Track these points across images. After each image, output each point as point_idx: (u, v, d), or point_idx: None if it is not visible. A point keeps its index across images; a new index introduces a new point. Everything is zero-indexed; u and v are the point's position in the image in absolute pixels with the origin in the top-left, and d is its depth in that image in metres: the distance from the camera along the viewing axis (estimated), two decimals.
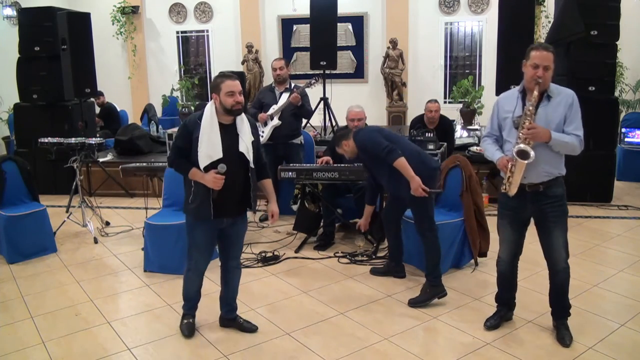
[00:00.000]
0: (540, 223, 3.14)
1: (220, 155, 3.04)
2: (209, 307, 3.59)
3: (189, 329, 3.39)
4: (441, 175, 4.31)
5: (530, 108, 2.92)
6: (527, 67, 2.99)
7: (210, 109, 3.07)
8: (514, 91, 3.12)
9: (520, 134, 2.92)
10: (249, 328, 3.43)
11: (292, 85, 5.56)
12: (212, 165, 3.04)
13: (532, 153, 2.86)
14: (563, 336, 3.18)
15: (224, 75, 3.10)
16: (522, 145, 2.89)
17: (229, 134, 3.08)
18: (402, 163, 3.63)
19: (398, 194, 3.84)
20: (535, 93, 2.91)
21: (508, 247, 3.27)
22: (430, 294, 3.73)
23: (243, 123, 3.13)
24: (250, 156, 3.12)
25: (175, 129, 6.04)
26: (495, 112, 3.19)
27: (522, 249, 3.28)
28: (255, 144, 3.20)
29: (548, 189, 3.02)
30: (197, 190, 3.10)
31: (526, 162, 2.88)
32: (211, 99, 3.11)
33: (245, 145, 3.10)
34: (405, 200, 3.85)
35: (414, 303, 3.71)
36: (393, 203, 4.08)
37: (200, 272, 3.34)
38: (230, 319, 3.47)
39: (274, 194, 3.39)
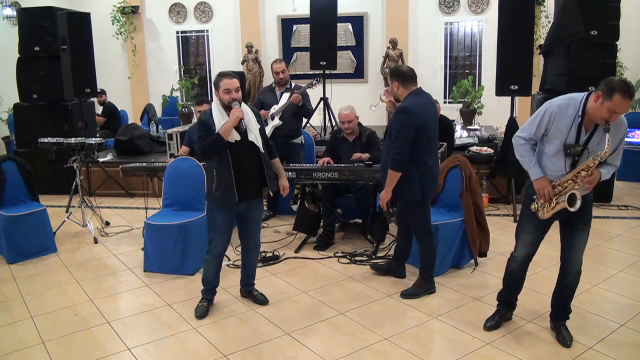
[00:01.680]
0: (567, 223, 3.11)
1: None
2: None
3: (201, 312, 3.61)
4: (440, 175, 4.33)
5: (595, 162, 2.85)
6: (603, 106, 2.74)
7: (216, 106, 3.45)
8: (571, 108, 2.88)
9: (575, 177, 2.89)
10: (261, 300, 3.79)
11: (293, 85, 5.56)
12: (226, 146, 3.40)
13: (578, 204, 2.87)
14: (564, 337, 3.18)
15: (222, 75, 3.47)
16: (576, 193, 2.87)
17: (237, 126, 3.39)
18: (394, 176, 3.59)
19: (382, 181, 3.76)
20: (597, 160, 2.85)
21: (526, 248, 3.21)
22: (424, 289, 3.87)
23: (248, 115, 3.46)
24: (259, 143, 3.48)
25: (175, 129, 6.04)
26: (546, 122, 2.95)
27: (537, 249, 3.25)
28: (262, 130, 3.56)
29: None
30: (220, 179, 3.42)
31: (572, 209, 2.88)
32: (201, 99, 3.52)
33: (254, 134, 3.45)
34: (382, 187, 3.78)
35: (406, 295, 3.84)
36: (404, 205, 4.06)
37: (219, 255, 3.62)
38: (247, 291, 3.86)
39: (283, 170, 3.78)
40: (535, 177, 3.02)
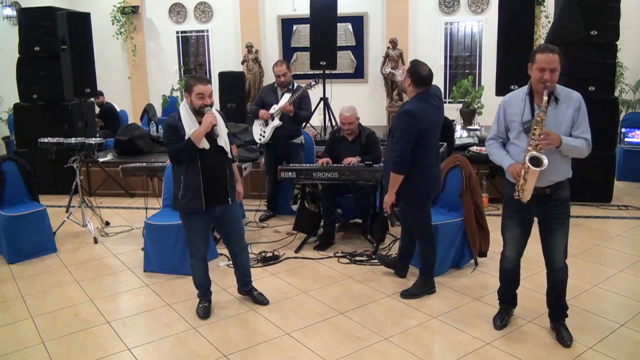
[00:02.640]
0: (544, 223, 3.14)
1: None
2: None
3: (204, 312, 3.61)
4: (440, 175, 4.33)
5: (542, 115, 2.88)
6: (533, 71, 2.94)
7: (185, 109, 3.37)
8: (520, 92, 3.08)
9: (532, 141, 2.89)
10: (260, 300, 3.77)
11: (295, 85, 5.55)
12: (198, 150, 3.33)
13: (545, 160, 2.85)
14: (563, 337, 3.18)
15: (197, 78, 3.37)
16: (534, 153, 2.87)
17: (209, 132, 3.33)
18: (397, 178, 3.61)
19: (385, 180, 3.79)
20: (545, 98, 2.87)
21: (514, 246, 3.26)
22: (423, 288, 3.87)
23: (218, 120, 3.38)
24: (228, 148, 3.44)
25: None
26: (501, 114, 3.13)
27: (526, 246, 3.29)
28: (229, 134, 3.52)
29: (554, 193, 3.02)
30: (187, 185, 3.36)
31: (540, 169, 2.86)
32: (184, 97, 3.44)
33: (224, 139, 3.41)
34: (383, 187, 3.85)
35: (406, 295, 3.84)
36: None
37: (203, 257, 3.60)
38: (246, 290, 3.83)
39: (239, 175, 3.73)
40: (507, 165, 3.06)
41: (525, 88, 3.05)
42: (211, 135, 3.33)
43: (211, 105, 3.37)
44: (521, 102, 3.03)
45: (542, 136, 2.85)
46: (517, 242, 3.24)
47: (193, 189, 3.34)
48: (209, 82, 3.37)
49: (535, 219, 3.20)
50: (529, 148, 2.90)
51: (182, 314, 3.67)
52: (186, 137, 3.29)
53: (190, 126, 3.30)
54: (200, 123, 3.32)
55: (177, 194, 3.42)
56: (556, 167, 2.97)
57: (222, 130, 3.42)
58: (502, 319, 3.39)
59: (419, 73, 3.58)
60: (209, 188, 3.36)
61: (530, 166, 2.88)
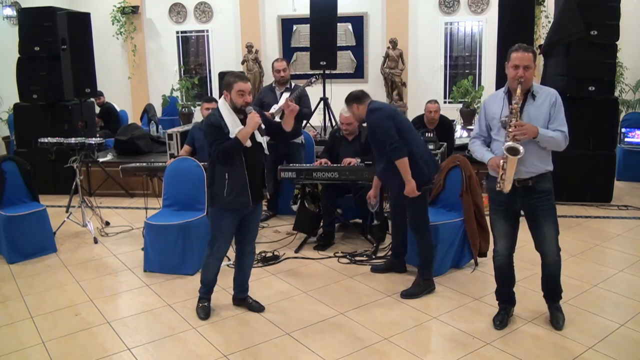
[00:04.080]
0: (531, 217, 3.24)
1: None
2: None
3: (204, 312, 3.58)
4: (440, 175, 4.35)
5: (515, 106, 3.02)
6: (508, 69, 3.09)
7: (225, 107, 3.36)
8: (500, 92, 3.23)
9: (509, 132, 3.01)
10: (256, 308, 3.68)
11: (293, 85, 5.56)
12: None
13: (521, 149, 2.97)
14: (557, 319, 3.30)
15: (237, 76, 3.37)
16: (510, 143, 2.99)
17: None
18: (403, 164, 3.67)
19: (387, 184, 3.91)
20: (519, 91, 3.01)
21: (504, 241, 3.33)
22: (423, 287, 3.87)
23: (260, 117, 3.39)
24: (265, 144, 3.46)
25: (176, 129, 6.04)
26: (483, 114, 3.29)
27: (516, 241, 3.34)
28: (264, 121, 3.46)
29: (537, 184, 3.14)
30: (233, 182, 3.34)
31: (517, 157, 2.98)
32: (221, 95, 3.41)
33: (261, 136, 3.42)
34: (387, 190, 3.94)
35: (406, 295, 3.83)
36: (399, 200, 4.08)
37: (221, 258, 3.58)
38: (241, 299, 3.74)
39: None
40: (487, 160, 3.18)
41: (504, 88, 3.21)
42: (256, 135, 3.34)
43: (246, 107, 3.34)
44: (500, 100, 3.18)
45: (518, 127, 2.99)
46: (505, 236, 3.31)
47: (240, 185, 3.34)
48: (249, 79, 3.37)
49: (523, 218, 3.29)
50: (507, 139, 3.02)
51: (182, 314, 3.67)
52: (231, 135, 3.28)
53: (232, 124, 3.29)
54: (241, 121, 3.33)
55: (220, 192, 3.36)
56: (536, 158, 3.10)
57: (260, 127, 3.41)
58: (502, 319, 3.40)
59: (353, 94, 3.95)
60: (252, 184, 3.39)
61: (508, 155, 2.99)
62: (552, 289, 3.37)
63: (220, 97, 3.51)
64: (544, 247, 3.24)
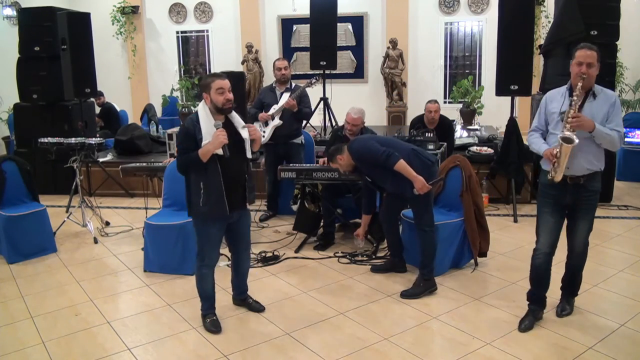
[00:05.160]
0: (572, 211, 3.30)
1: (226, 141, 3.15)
2: None
3: (215, 325, 3.43)
4: (440, 170, 4.36)
5: (575, 99, 3.05)
6: (573, 66, 3.13)
7: (204, 109, 3.21)
8: (562, 89, 3.27)
9: (566, 124, 3.05)
10: (257, 308, 3.67)
11: (293, 85, 5.56)
12: (214, 156, 3.17)
13: (576, 139, 3.00)
14: (563, 307, 3.46)
15: (213, 75, 3.25)
16: (567, 132, 3.03)
17: (226, 129, 3.18)
18: (402, 165, 3.71)
19: (404, 194, 3.85)
20: (579, 86, 3.05)
21: (548, 236, 3.31)
22: (423, 288, 3.87)
23: (234, 118, 3.29)
24: (248, 145, 3.28)
25: (176, 129, 6.03)
26: (543, 108, 3.33)
27: (557, 241, 3.35)
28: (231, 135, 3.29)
29: (588, 182, 3.19)
30: (209, 191, 3.21)
31: (571, 145, 3.00)
32: (202, 99, 3.25)
33: (247, 133, 3.28)
34: (406, 198, 3.93)
35: (406, 295, 3.84)
36: (390, 202, 4.10)
37: (214, 265, 3.47)
38: (241, 299, 3.72)
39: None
40: (542, 151, 3.20)
41: (567, 85, 3.25)
42: (221, 153, 3.14)
43: (229, 106, 3.18)
44: (561, 97, 3.22)
45: (575, 118, 3.02)
46: (549, 231, 3.30)
47: (215, 194, 3.19)
48: (226, 77, 3.20)
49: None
50: (563, 129, 3.06)
51: (182, 314, 3.67)
52: (204, 141, 3.12)
53: (209, 131, 3.13)
54: (223, 124, 3.17)
55: (196, 201, 3.22)
56: (592, 155, 3.15)
57: (245, 132, 3.26)
58: (527, 320, 3.38)
59: (331, 151, 4.10)
60: (230, 192, 3.23)
61: (563, 143, 3.01)
62: (571, 282, 3.48)
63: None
64: (574, 239, 3.35)
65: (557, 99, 3.24)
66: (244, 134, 3.28)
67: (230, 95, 3.19)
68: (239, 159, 3.29)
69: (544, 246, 3.33)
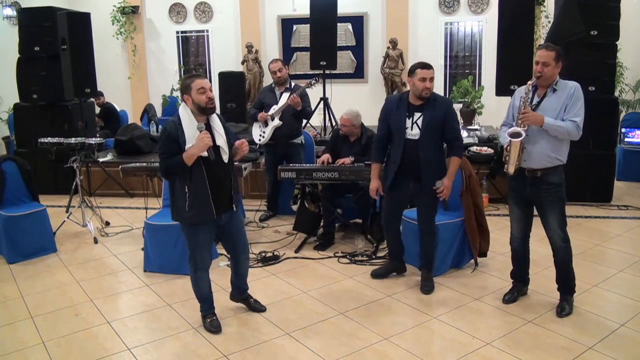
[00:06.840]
0: (538, 206, 3.46)
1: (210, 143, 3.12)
2: None
3: (215, 326, 3.42)
4: None
5: (524, 95, 3.29)
6: (533, 65, 3.36)
7: (185, 111, 3.17)
8: (531, 86, 3.40)
9: (519, 120, 3.26)
10: (257, 308, 3.68)
11: (293, 85, 5.56)
12: (199, 159, 3.14)
13: (523, 133, 3.21)
14: (562, 308, 3.47)
15: (192, 75, 3.22)
16: (515, 127, 3.25)
17: (208, 131, 3.15)
18: (460, 162, 3.84)
19: (427, 184, 3.72)
20: (530, 83, 3.30)
21: (517, 224, 3.57)
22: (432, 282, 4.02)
23: (214, 120, 3.24)
24: (226, 148, 3.22)
25: None
26: (511, 103, 3.51)
27: (531, 226, 3.58)
28: (229, 134, 3.32)
29: (545, 176, 3.31)
30: (194, 195, 3.17)
31: (518, 140, 3.21)
32: (182, 100, 3.20)
33: (222, 138, 3.21)
34: (417, 194, 3.86)
35: (428, 291, 3.93)
36: (391, 204, 4.08)
37: (207, 268, 3.43)
38: (242, 299, 3.71)
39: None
40: (505, 145, 3.37)
41: (532, 81, 3.41)
42: (206, 156, 3.11)
43: (212, 105, 3.15)
44: (526, 94, 3.36)
45: (523, 114, 3.23)
46: (518, 220, 3.55)
47: (201, 197, 3.15)
48: (205, 77, 3.15)
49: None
50: (514, 124, 3.29)
51: (182, 314, 3.67)
52: (187, 144, 3.08)
53: (192, 134, 3.10)
54: (206, 125, 3.14)
55: (181, 206, 3.19)
56: (549, 148, 3.28)
57: (221, 131, 3.22)
58: (512, 294, 3.64)
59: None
60: (216, 195, 3.19)
61: (511, 139, 3.24)
62: (563, 278, 3.52)
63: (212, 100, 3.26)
64: (549, 233, 3.44)
65: (521, 95, 3.39)
66: (219, 140, 3.19)
67: (212, 94, 3.15)
68: (222, 162, 3.23)
69: (516, 231, 3.59)
